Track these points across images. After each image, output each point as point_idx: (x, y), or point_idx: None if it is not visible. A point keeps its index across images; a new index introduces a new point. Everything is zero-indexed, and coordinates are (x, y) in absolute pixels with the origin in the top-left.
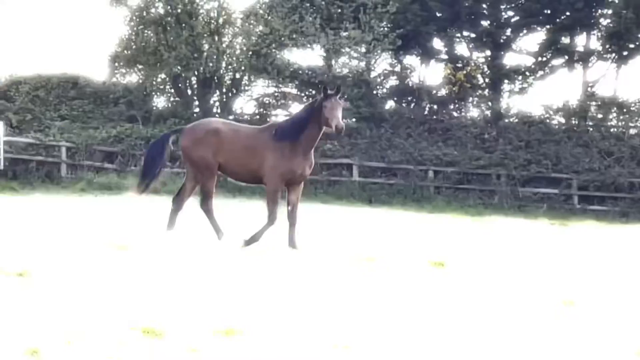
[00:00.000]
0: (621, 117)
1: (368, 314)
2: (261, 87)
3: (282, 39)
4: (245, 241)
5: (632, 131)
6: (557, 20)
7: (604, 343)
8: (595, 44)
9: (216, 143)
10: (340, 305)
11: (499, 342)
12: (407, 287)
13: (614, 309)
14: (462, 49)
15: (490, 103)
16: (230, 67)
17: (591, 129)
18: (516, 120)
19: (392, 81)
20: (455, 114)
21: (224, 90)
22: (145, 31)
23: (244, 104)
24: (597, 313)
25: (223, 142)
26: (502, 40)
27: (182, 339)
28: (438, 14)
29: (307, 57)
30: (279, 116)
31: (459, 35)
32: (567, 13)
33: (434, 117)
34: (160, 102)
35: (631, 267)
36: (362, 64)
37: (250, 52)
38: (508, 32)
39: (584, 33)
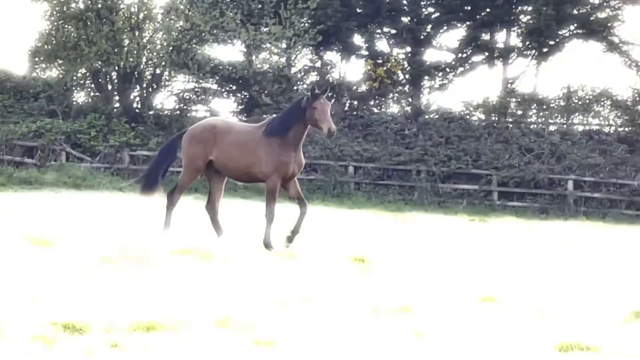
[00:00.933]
0: (541, 114)
1: (288, 311)
2: (181, 82)
3: (203, 34)
4: (266, 247)
5: (552, 128)
6: (477, 16)
7: (524, 338)
8: (515, 40)
9: (210, 139)
10: (262, 300)
11: (418, 337)
12: (327, 283)
13: (533, 304)
14: (382, 45)
15: (410, 99)
16: (150, 62)
17: (511, 126)
18: (436, 116)
19: (313, 77)
20: (375, 109)
21: (145, 85)
22: (66, 26)
23: (164, 99)
24: (517, 309)
25: (217, 138)
26: (422, 37)
27: (104, 334)
28: (358, 10)
29: (227, 52)
30: (199, 111)
31: (379, 31)
32: (487, 9)
33: (354, 112)
34: (80, 97)
35: (549, 263)
36: (283, 59)
37: (171, 48)
38: (428, 28)
39: (504, 30)
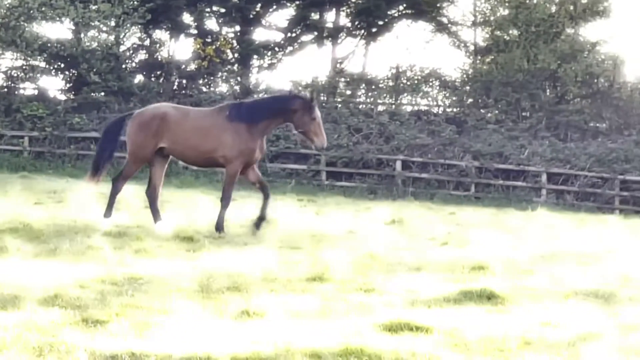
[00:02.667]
0: (370, 94)
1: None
2: (9, 59)
3: (31, 11)
4: (217, 230)
5: (381, 108)
6: None
7: (351, 317)
8: (344, 20)
9: (162, 127)
10: (90, 279)
11: (248, 317)
12: (157, 262)
13: (362, 283)
14: (211, 23)
15: (239, 78)
16: None
17: (340, 105)
18: (265, 95)
19: (142, 55)
20: (204, 88)
21: None
22: None
23: None
24: (346, 288)
25: (169, 126)
26: (251, 16)
27: None
28: None
29: (56, 30)
30: (27, 89)
31: (208, 10)
32: None
33: (183, 91)
34: None
35: (377, 243)
36: (112, 37)
37: None
38: (258, 7)
39: (334, 9)
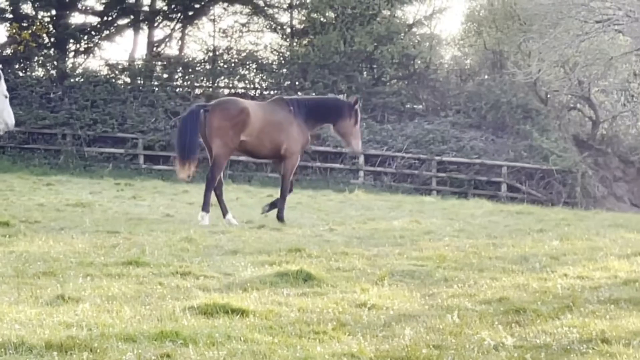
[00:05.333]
0: (186, 77)
1: None
2: None
3: None
4: (279, 221)
5: (197, 91)
6: None
7: (162, 301)
8: (160, 4)
9: (244, 120)
10: None
11: (64, 302)
12: None
13: (172, 267)
14: (27, 8)
15: (55, 62)
16: None
17: (157, 89)
18: (82, 79)
19: None
20: (20, 73)
21: None
22: None
23: None
24: (156, 271)
25: (250, 119)
26: (67, 0)
27: None
28: None
29: None
30: None
31: None
32: None
33: None
34: None
35: (191, 227)
36: None
37: None
38: None
39: None
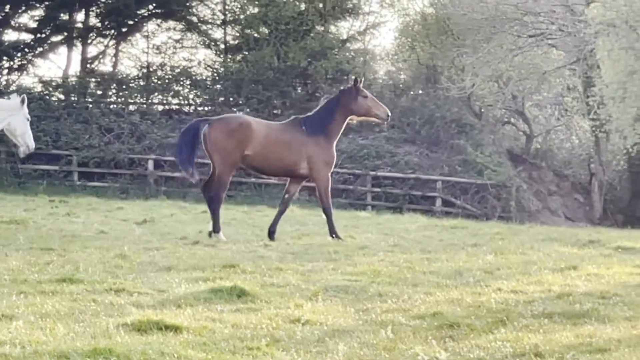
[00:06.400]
0: (121, 94)
1: None
2: None
3: None
4: (334, 237)
5: (132, 107)
6: None
7: (95, 317)
8: (94, 20)
9: (248, 135)
10: None
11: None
12: None
13: (106, 283)
14: None
15: None
16: None
17: (91, 106)
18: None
19: None
20: None
21: None
22: None
23: None
24: (89, 288)
25: (253, 135)
26: (1, 17)
27: None
28: None
29: None
30: None
31: None
32: None
33: None
34: None
35: (125, 243)
36: None
37: None
38: (7, 8)
39: (83, 10)
